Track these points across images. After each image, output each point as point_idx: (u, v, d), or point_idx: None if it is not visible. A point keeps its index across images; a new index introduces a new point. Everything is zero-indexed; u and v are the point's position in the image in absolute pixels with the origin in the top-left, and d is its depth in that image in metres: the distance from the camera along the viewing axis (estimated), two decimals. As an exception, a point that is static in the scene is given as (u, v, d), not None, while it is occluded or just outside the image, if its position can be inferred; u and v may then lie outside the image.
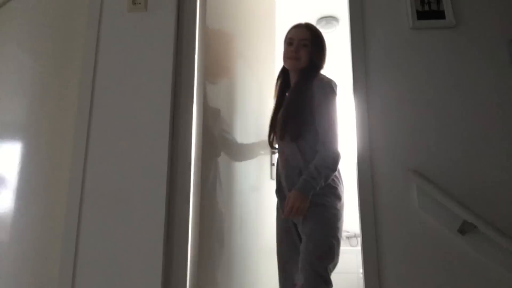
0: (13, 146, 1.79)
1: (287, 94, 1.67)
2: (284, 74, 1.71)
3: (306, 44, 1.58)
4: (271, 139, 1.70)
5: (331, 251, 1.41)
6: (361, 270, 1.63)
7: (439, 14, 1.72)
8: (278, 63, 1.83)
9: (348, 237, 3.71)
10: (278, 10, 2.42)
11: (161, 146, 1.64)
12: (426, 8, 1.73)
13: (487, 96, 1.63)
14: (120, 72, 1.73)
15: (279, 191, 1.61)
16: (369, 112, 1.65)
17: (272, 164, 2.08)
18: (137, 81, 1.71)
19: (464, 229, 1.47)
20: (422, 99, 1.65)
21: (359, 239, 1.59)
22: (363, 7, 1.76)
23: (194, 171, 1.64)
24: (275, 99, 1.72)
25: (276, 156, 1.87)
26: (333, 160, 1.46)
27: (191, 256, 1.57)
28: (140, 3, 1.78)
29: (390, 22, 1.74)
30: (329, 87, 1.53)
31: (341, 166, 1.53)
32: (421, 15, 1.72)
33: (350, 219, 1.74)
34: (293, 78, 1.64)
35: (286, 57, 1.62)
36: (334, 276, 1.43)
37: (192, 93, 1.71)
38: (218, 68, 1.85)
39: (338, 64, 2.46)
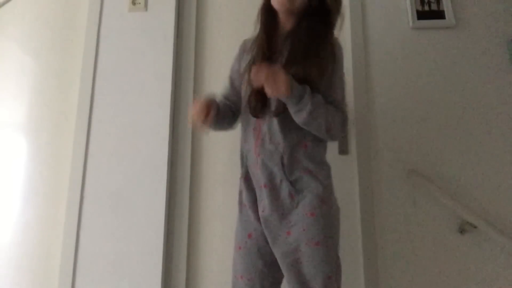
0: (13, 146, 1.78)
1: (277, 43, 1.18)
2: (268, 13, 1.19)
3: None
4: (257, 108, 1.15)
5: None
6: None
7: (439, 14, 1.72)
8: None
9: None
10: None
11: (161, 146, 1.64)
12: (426, 8, 1.73)
13: (487, 96, 1.63)
14: (120, 72, 1.73)
15: (247, 180, 1.19)
16: (369, 112, 1.65)
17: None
18: (137, 81, 1.71)
19: (464, 229, 1.47)
20: (422, 99, 1.65)
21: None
22: (363, 7, 1.76)
23: (194, 171, 1.64)
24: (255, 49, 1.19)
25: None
26: (344, 120, 1.15)
27: (191, 256, 1.57)
28: (140, 3, 1.79)
29: (390, 22, 1.74)
30: (342, 54, 1.19)
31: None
32: (421, 15, 1.72)
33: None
34: (285, 23, 1.18)
35: None
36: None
37: (192, 93, 1.71)
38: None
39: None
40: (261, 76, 1.01)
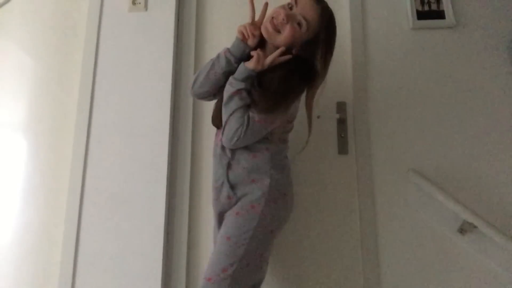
0: (13, 146, 1.78)
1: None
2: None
3: (300, 23, 1.13)
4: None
5: None
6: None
7: (439, 14, 1.72)
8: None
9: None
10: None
11: (161, 146, 1.64)
12: (426, 8, 1.73)
13: (487, 96, 1.63)
14: (120, 72, 1.73)
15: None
16: (368, 112, 1.65)
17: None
18: (137, 80, 1.71)
19: (464, 229, 1.47)
20: (422, 99, 1.65)
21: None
22: (363, 7, 1.76)
23: (194, 171, 1.64)
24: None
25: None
26: (238, 128, 1.16)
27: (191, 256, 1.57)
28: (140, 3, 1.79)
29: (390, 22, 1.74)
30: None
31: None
32: (421, 15, 1.72)
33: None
34: (269, 51, 1.21)
35: (271, 17, 1.17)
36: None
37: (192, 93, 1.71)
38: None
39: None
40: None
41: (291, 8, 1.16)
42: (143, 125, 1.66)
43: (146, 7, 1.79)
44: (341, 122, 1.66)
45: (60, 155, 1.72)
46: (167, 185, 1.60)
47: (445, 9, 1.72)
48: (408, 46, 1.71)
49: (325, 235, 1.56)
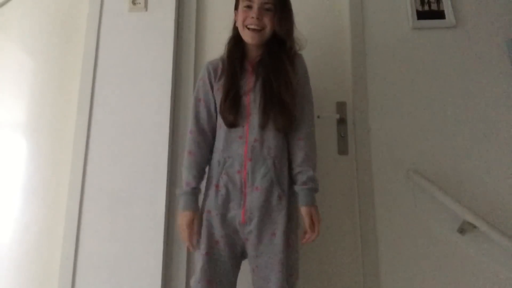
0: (13, 146, 1.78)
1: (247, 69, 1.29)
2: (237, 44, 1.32)
3: (269, 8, 1.24)
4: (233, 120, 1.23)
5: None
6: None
7: (439, 14, 1.72)
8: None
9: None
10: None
11: (161, 146, 1.64)
12: (426, 8, 1.73)
13: (487, 96, 1.63)
14: (120, 72, 1.73)
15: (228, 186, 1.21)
16: (368, 112, 1.65)
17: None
18: (137, 80, 1.71)
19: (464, 229, 1.47)
20: (422, 99, 1.65)
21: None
22: (363, 7, 1.76)
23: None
24: (226, 74, 1.28)
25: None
26: (316, 153, 1.29)
27: (191, 256, 1.57)
28: (140, 3, 1.79)
29: (390, 22, 1.74)
30: (305, 65, 1.33)
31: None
32: (421, 15, 1.72)
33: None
34: (254, 52, 1.31)
35: (244, 26, 1.26)
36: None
37: (192, 93, 1.71)
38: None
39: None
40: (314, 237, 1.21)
41: (250, 6, 1.25)
42: (143, 125, 1.66)
43: (146, 7, 1.79)
44: (341, 122, 1.66)
45: (60, 155, 1.72)
46: (167, 185, 1.60)
47: (445, 9, 1.72)
48: (408, 46, 1.71)
49: (325, 235, 1.56)
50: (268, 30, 1.25)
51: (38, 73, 1.84)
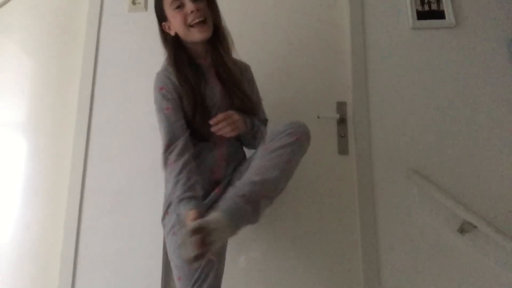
0: (13, 146, 1.78)
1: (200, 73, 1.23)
2: (176, 47, 1.22)
3: None
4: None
5: None
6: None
7: (439, 14, 1.72)
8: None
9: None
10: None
11: (161, 145, 1.63)
12: (426, 8, 1.73)
13: (487, 96, 1.63)
14: (120, 72, 1.73)
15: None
16: (368, 112, 1.65)
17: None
18: (137, 81, 1.71)
19: (464, 229, 1.47)
20: (422, 99, 1.65)
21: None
22: (363, 7, 1.76)
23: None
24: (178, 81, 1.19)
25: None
26: (264, 130, 1.31)
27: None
28: (140, 3, 1.79)
29: (390, 22, 1.74)
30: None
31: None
32: (421, 15, 1.72)
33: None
34: (197, 52, 1.24)
35: (187, 25, 1.16)
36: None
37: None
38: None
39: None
40: (221, 126, 1.14)
41: (180, 6, 1.16)
42: (143, 125, 1.66)
43: (146, 7, 1.79)
44: (341, 122, 1.66)
45: (60, 155, 1.72)
46: (167, 185, 1.60)
47: (445, 9, 1.72)
48: (408, 46, 1.71)
49: (325, 235, 1.56)
50: (209, 20, 1.18)
51: (38, 73, 1.85)
